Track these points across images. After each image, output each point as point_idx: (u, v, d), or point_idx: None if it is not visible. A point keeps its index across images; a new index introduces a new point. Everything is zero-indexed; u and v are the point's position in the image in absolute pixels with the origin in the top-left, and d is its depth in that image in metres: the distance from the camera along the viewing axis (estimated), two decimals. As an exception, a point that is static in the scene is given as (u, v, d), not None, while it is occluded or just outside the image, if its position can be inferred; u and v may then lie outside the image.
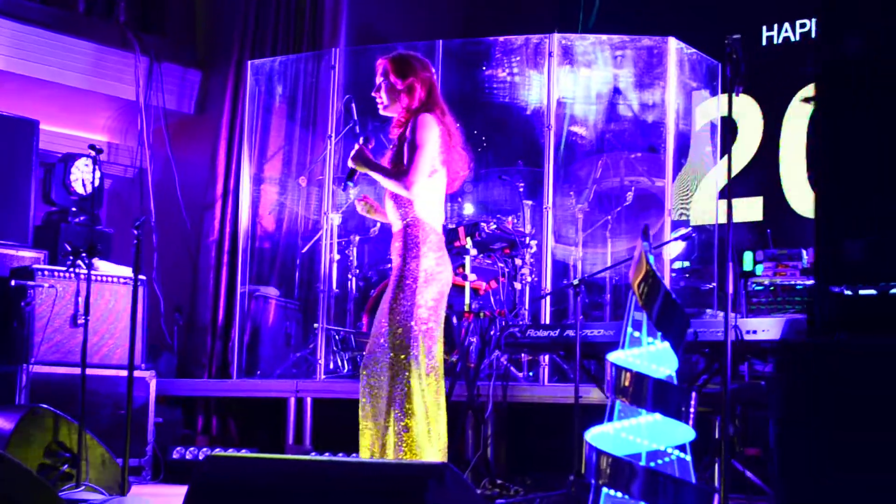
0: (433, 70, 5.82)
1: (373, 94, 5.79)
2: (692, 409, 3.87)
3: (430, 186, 5.60)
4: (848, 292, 3.00)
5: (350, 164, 5.69)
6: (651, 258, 3.98)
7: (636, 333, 4.01)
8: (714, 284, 8.79)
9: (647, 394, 3.86)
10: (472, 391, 7.61)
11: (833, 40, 2.98)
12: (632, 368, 3.92)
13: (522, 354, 8.17)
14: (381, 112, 5.79)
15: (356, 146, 5.70)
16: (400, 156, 5.62)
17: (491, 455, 7.58)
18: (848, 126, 2.95)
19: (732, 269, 6.08)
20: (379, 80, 5.74)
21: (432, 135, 5.54)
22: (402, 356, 5.41)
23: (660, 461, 3.93)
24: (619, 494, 3.86)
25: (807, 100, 8.67)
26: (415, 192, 5.50)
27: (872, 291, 2.93)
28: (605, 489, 3.92)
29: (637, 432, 3.93)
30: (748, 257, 7.82)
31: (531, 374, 8.32)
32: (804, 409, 2.83)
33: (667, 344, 3.96)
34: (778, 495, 2.83)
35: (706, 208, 9.20)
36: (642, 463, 3.90)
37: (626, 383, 3.90)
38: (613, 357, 4.00)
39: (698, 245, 8.98)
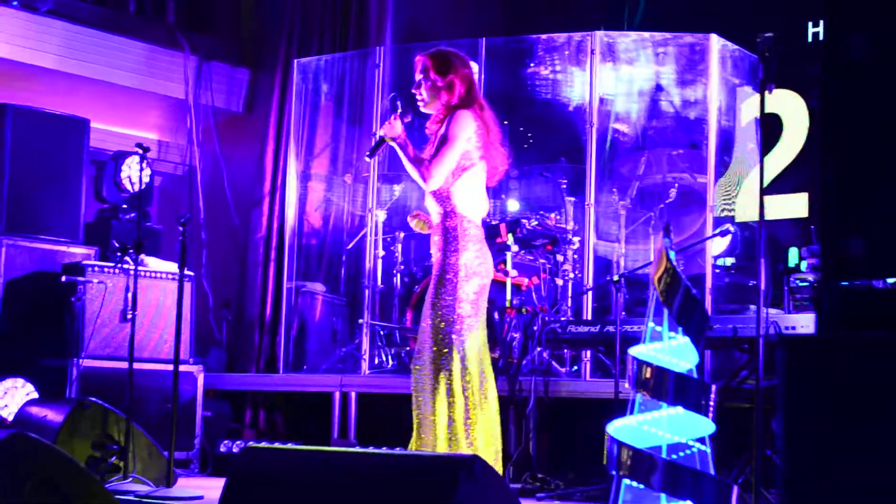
0: (472, 66, 5.86)
1: (413, 90, 5.82)
2: (712, 403, 3.95)
3: (469, 180, 5.65)
4: (884, 285, 3.06)
5: (381, 132, 5.71)
6: (672, 254, 4.07)
7: (658, 328, 4.10)
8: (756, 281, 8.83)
9: (667, 387, 3.95)
10: (513, 386, 7.70)
11: (837, 42, 3.05)
12: (653, 362, 4.01)
13: (564, 350, 8.26)
14: (422, 109, 5.80)
15: (392, 117, 5.71)
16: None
17: (533, 449, 7.66)
18: (851, 126, 3.03)
19: (765, 265, 6.16)
20: (419, 76, 5.76)
21: (466, 131, 5.60)
22: (445, 350, 5.49)
23: (681, 454, 4.02)
24: (640, 485, 3.96)
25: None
26: (432, 185, 5.57)
27: (881, 286, 3.01)
28: (625, 480, 4.02)
29: (658, 425, 4.02)
30: (793, 253, 7.86)
31: (574, 369, 8.40)
32: (807, 404, 2.90)
33: (687, 338, 4.04)
34: (783, 489, 2.91)
35: (751, 205, 9.23)
36: (663, 455, 3.99)
37: (648, 377, 3.99)
38: (635, 351, 4.09)
39: (742, 242, 9.00)
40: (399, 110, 5.74)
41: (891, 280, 3.10)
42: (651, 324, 4.09)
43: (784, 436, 2.87)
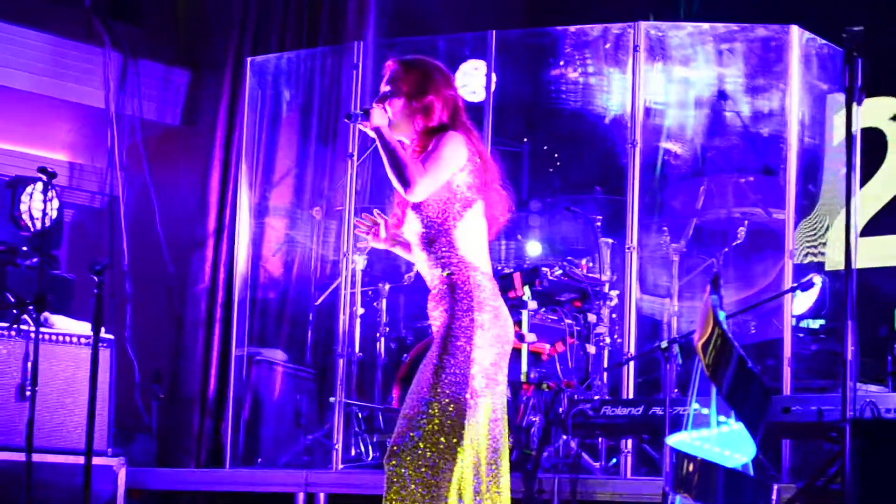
0: (456, 86, 5.88)
1: (374, 103, 5.68)
2: (774, 508, 4.04)
3: (473, 221, 5.70)
4: None
5: (375, 106, 5.59)
6: (722, 314, 4.16)
7: (704, 410, 4.19)
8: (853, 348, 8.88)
9: (716, 487, 4.04)
10: (530, 486, 7.77)
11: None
12: (697, 455, 4.10)
13: (598, 438, 8.34)
14: (360, 125, 5.59)
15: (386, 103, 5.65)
16: None
17: (559, 567, 7.73)
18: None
19: (852, 328, 6.25)
20: (385, 88, 5.72)
21: (458, 154, 5.64)
22: (455, 440, 5.47)
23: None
24: None
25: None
26: (415, 195, 5.56)
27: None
28: None
29: (705, 537, 4.12)
30: (900, 313, 7.96)
31: (612, 463, 8.47)
32: (880, 492, 2.99)
33: (741, 424, 4.13)
34: None
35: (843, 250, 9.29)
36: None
37: (690, 473, 4.08)
38: (674, 441, 4.19)
39: (833, 296, 9.06)
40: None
41: None
42: (696, 405, 4.19)
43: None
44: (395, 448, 5.48)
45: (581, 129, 9.66)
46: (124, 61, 10.72)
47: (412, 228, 5.70)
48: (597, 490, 7.99)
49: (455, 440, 5.42)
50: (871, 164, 9.20)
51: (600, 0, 10.11)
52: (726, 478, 4.07)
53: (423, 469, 5.44)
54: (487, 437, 5.55)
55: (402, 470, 5.46)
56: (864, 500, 3.10)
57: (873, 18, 5.99)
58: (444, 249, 5.61)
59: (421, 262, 5.72)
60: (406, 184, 5.51)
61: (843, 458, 5.71)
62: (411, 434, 5.47)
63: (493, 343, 5.55)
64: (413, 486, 5.45)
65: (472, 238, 5.65)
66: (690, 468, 4.09)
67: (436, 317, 5.64)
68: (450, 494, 5.43)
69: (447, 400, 5.44)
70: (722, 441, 4.17)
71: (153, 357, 10.57)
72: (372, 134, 5.65)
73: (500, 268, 8.77)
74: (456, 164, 5.60)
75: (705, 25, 9.23)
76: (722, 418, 4.19)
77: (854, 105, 5.90)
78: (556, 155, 9.97)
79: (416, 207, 5.66)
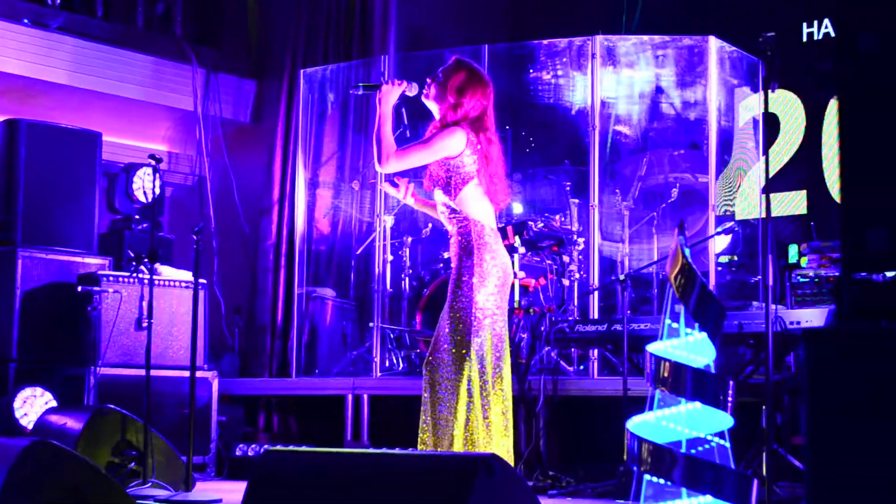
0: (490, 99, 5.62)
1: (428, 79, 5.56)
2: (730, 398, 3.90)
3: (473, 189, 5.55)
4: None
5: (384, 87, 5.49)
6: (687, 251, 4.01)
7: (675, 325, 4.04)
8: (759, 277, 8.78)
9: (685, 383, 3.90)
10: (523, 386, 7.67)
11: (848, 38, 3.01)
12: (671, 359, 3.95)
13: (572, 349, 8.22)
14: (423, 98, 5.55)
15: (397, 83, 5.49)
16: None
17: (543, 447, 7.61)
18: (867, 120, 2.98)
19: (773, 261, 6.11)
20: (439, 75, 5.56)
21: (450, 146, 5.48)
22: (464, 351, 5.41)
23: (700, 448, 3.97)
24: (661, 481, 3.90)
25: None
26: (383, 168, 5.44)
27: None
28: (647, 476, 3.96)
29: (677, 420, 3.97)
30: (793, 250, 7.81)
31: (581, 367, 8.36)
32: (830, 395, 2.85)
33: (704, 334, 3.99)
34: (810, 484, 2.85)
35: (751, 203, 9.21)
36: (683, 450, 3.94)
37: (666, 373, 3.93)
38: (653, 348, 4.03)
39: (743, 239, 8.97)
40: (405, 83, 5.55)
41: (890, 273, 3.05)
42: (668, 321, 4.04)
43: (809, 431, 2.81)
44: (430, 359, 5.56)
45: (554, 117, 9.51)
46: (207, 75, 10.57)
47: (438, 195, 5.61)
48: (571, 388, 7.89)
49: (464, 351, 5.41)
50: (769, 141, 9.06)
51: (566, 19, 9.95)
52: (693, 376, 3.92)
53: (447, 370, 5.42)
54: (491, 349, 5.48)
55: (434, 374, 5.47)
56: (810, 391, 2.94)
57: (767, 31, 5.78)
58: (457, 211, 5.52)
59: (444, 218, 5.65)
60: (378, 158, 5.45)
61: (767, 360, 5.59)
62: (437, 347, 5.51)
63: (490, 277, 5.48)
64: (443, 383, 5.44)
65: (478, 203, 5.54)
66: (666, 369, 3.94)
67: (452, 260, 5.60)
68: (463, 390, 5.38)
69: (459, 322, 5.44)
70: (689, 347, 4.02)
71: (235, 295, 10.48)
72: (378, 108, 5.48)
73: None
74: (446, 153, 5.47)
75: (645, 37, 9.10)
76: (689, 330, 4.04)
77: (768, 91, 5.74)
78: (531, 138, 9.82)
79: (432, 181, 5.56)
